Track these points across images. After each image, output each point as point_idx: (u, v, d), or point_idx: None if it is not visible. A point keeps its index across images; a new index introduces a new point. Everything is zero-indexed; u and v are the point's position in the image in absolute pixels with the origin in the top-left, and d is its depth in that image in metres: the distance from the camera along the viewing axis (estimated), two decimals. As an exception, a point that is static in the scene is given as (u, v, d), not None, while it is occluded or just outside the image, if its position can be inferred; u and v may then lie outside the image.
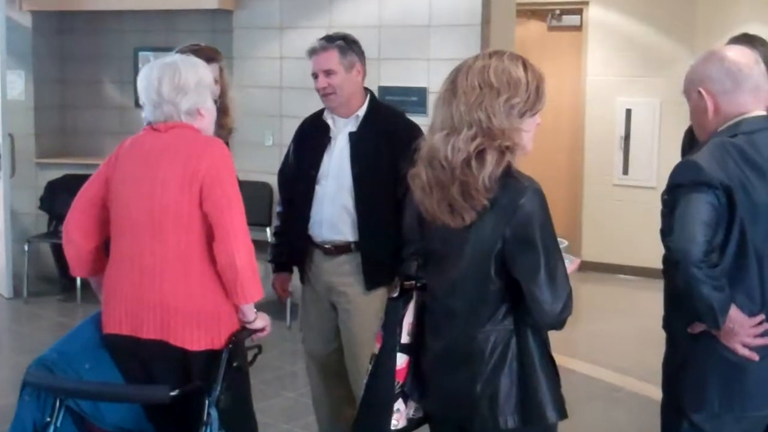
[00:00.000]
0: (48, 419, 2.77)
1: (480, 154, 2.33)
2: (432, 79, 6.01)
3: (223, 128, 3.55)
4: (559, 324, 2.36)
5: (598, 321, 6.56)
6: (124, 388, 2.77)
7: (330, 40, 3.58)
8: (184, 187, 2.75)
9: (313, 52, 3.57)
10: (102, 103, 7.59)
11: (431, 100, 5.95)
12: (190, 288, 2.79)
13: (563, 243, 2.61)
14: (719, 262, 2.46)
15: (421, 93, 6.05)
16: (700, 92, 2.62)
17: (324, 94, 3.55)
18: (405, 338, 2.57)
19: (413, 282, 2.59)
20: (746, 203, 2.48)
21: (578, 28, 8.34)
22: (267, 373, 5.17)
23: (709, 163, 2.48)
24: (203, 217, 2.76)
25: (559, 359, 2.53)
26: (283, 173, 3.82)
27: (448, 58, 5.86)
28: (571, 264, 2.57)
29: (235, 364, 2.79)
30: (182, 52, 3.49)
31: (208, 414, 2.67)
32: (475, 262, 2.38)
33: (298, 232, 3.63)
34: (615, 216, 8.11)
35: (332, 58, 3.52)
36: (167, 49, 7.02)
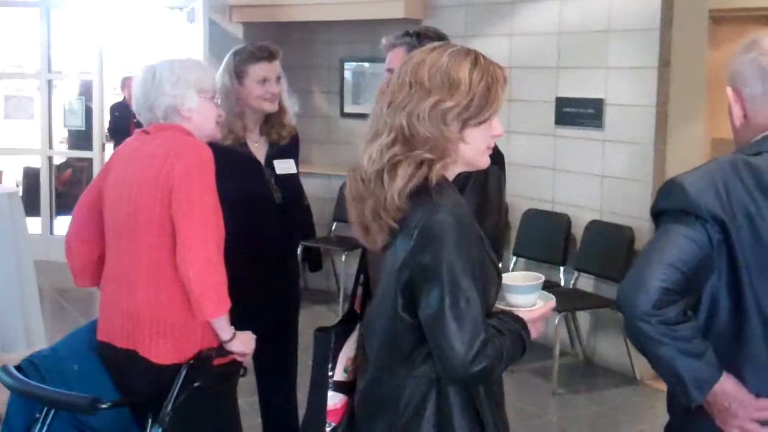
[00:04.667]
0: (37, 415, 2.75)
1: (394, 165, 1.96)
2: (609, 90, 5.46)
3: (284, 127, 3.41)
4: (471, 378, 1.91)
5: None
6: (52, 393, 2.67)
7: (402, 35, 3.24)
8: (156, 191, 2.62)
9: (384, 48, 3.29)
10: (310, 112, 7.72)
11: (608, 113, 5.43)
12: (159, 297, 2.65)
13: (539, 278, 2.17)
14: (692, 317, 1.90)
15: (598, 105, 5.51)
16: (730, 91, 2.06)
17: None
18: (341, 375, 2.27)
19: (356, 313, 2.28)
20: (751, 243, 1.88)
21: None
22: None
23: (700, 187, 1.92)
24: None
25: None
26: None
27: (626, 66, 5.34)
28: (544, 304, 2.13)
29: (195, 384, 2.61)
30: (243, 50, 3.39)
31: (149, 434, 2.52)
32: (385, 295, 2.02)
33: None
34: None
35: (397, 57, 3.19)
36: (372, 60, 7.22)
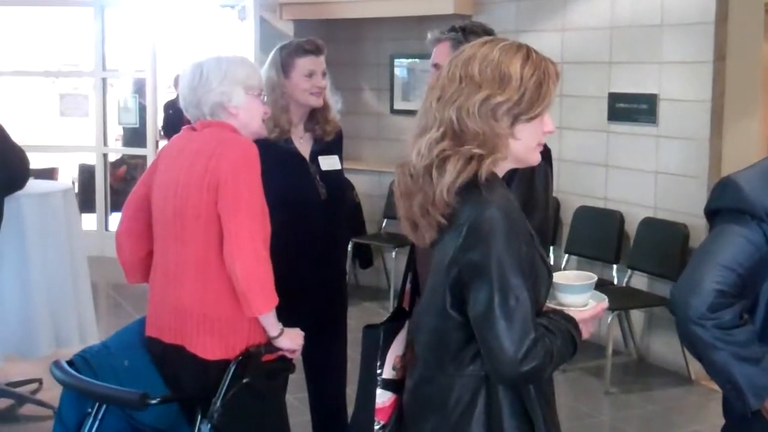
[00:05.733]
0: (89, 410, 2.78)
1: (443, 161, 1.94)
2: (663, 85, 5.36)
3: (329, 123, 3.40)
4: (520, 377, 1.87)
5: None
6: (103, 389, 2.69)
7: (448, 30, 3.19)
8: (203, 189, 2.63)
9: (430, 43, 3.26)
10: (360, 109, 7.73)
11: (662, 108, 5.34)
12: (207, 293, 2.66)
13: (592, 278, 2.14)
14: (748, 320, 1.85)
15: (651, 100, 5.42)
16: None
17: None
18: (389, 373, 2.25)
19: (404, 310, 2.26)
20: None
21: None
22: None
23: (756, 185, 1.86)
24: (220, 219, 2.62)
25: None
26: None
27: (680, 60, 5.24)
28: (596, 305, 2.09)
29: (245, 380, 2.62)
30: (290, 44, 3.39)
31: (199, 429, 2.52)
32: (433, 292, 1.99)
33: None
34: None
35: (442, 52, 3.07)
36: (422, 56, 7.19)
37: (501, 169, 2.01)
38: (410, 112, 7.27)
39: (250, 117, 2.79)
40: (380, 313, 6.40)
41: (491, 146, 1.93)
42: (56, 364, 2.76)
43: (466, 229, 1.89)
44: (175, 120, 8.46)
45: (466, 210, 1.91)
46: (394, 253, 6.69)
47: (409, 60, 7.50)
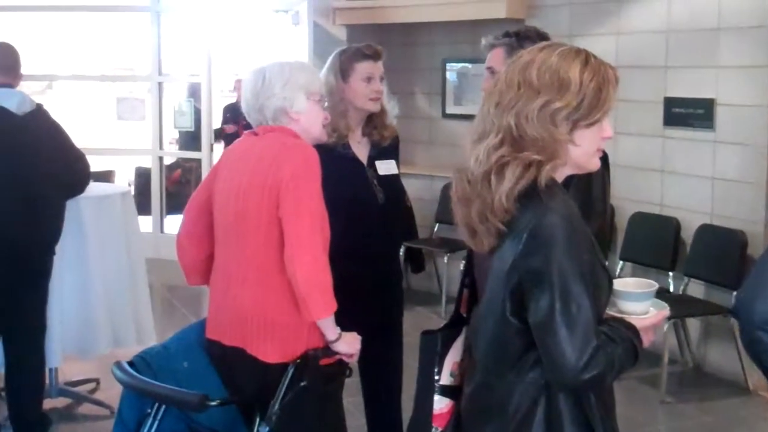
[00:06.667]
0: (149, 411, 2.82)
1: (502, 167, 1.94)
2: (720, 89, 5.29)
3: (386, 128, 3.42)
4: (581, 385, 1.87)
5: None
6: (163, 390, 2.72)
7: (502, 36, 3.18)
8: (264, 192, 2.66)
9: (484, 48, 3.25)
10: (412, 113, 7.73)
11: (720, 113, 5.27)
12: (267, 297, 2.70)
13: (653, 285, 2.12)
14: None
15: (708, 105, 5.34)
16: None
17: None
18: (447, 379, 2.25)
19: (462, 316, 2.26)
20: None
21: None
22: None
23: None
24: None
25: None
26: None
27: (738, 65, 5.17)
28: (657, 312, 2.07)
29: (303, 383, 2.64)
30: (349, 49, 3.42)
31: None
32: (492, 298, 1.99)
33: None
34: None
35: (497, 57, 3.02)
36: (474, 60, 7.19)
37: (560, 175, 2.00)
38: (462, 117, 7.27)
39: (311, 122, 2.82)
40: (432, 318, 6.41)
41: (550, 152, 1.93)
42: (118, 364, 2.81)
43: (526, 236, 1.89)
44: (231, 123, 8.60)
45: (525, 216, 1.91)
46: (446, 258, 6.68)
47: (462, 64, 7.49)
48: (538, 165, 1.92)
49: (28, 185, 3.83)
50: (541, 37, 2.99)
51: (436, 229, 7.11)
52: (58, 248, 4.08)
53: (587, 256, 1.91)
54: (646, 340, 2.01)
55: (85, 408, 4.78)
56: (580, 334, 1.84)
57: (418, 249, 6.97)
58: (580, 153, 1.98)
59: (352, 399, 3.49)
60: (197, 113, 8.34)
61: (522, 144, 1.93)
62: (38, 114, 3.92)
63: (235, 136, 7.53)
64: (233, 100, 9.34)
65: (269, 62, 2.83)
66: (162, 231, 8.32)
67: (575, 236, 1.90)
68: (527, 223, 1.90)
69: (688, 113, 5.46)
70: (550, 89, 1.93)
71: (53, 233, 4.02)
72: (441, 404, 2.25)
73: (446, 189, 6.98)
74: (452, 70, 7.55)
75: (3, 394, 4.28)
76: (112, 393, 4.72)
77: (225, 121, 8.84)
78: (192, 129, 8.41)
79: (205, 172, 8.14)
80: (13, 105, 3.79)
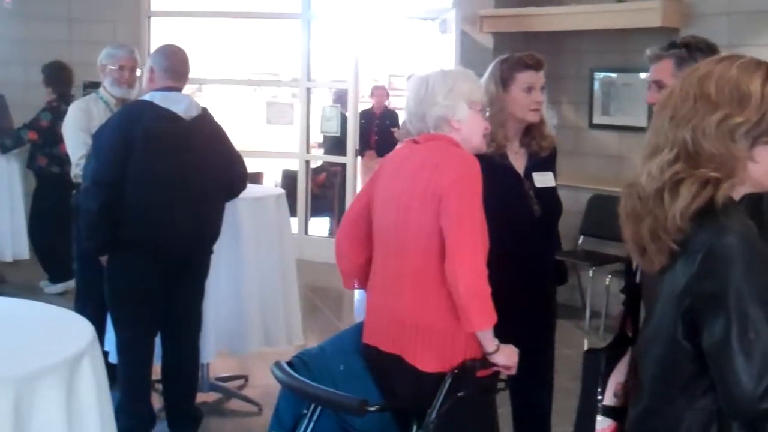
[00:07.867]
0: (305, 411, 2.88)
1: (676, 184, 1.89)
2: None
3: (545, 138, 3.38)
4: (758, 415, 1.81)
5: None
6: (323, 392, 2.77)
7: (669, 46, 3.08)
8: (426, 200, 2.69)
9: (648, 59, 3.16)
10: (559, 123, 7.62)
11: None
12: (426, 305, 2.72)
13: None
14: None
15: None
16: None
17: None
18: (610, 399, 2.22)
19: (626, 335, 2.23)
20: None
21: None
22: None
23: None
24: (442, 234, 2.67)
25: None
26: None
27: None
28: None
29: (460, 394, 2.65)
30: (510, 58, 3.38)
31: (415, 439, 2.58)
32: (663, 320, 1.94)
33: None
34: None
35: (664, 69, 2.93)
36: (623, 70, 7.06)
37: (737, 194, 1.93)
38: (610, 127, 7.14)
39: (472, 132, 2.83)
40: (575, 332, 6.31)
41: (728, 169, 1.87)
42: (277, 365, 2.89)
43: (701, 257, 1.84)
44: (364, 130, 8.69)
45: (701, 237, 1.85)
46: (591, 272, 6.53)
47: (610, 74, 7.35)
48: (715, 183, 1.86)
49: (195, 188, 3.97)
50: (711, 48, 2.91)
51: (580, 241, 7.00)
52: (215, 247, 4.22)
53: (767, 279, 1.85)
54: None
55: (234, 404, 4.92)
56: (758, 361, 1.78)
57: (562, 261, 6.86)
58: (760, 171, 1.90)
59: (499, 410, 3.48)
60: (343, 118, 8.49)
61: (698, 160, 1.88)
62: (204, 118, 4.06)
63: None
64: (368, 106, 9.48)
65: (432, 70, 2.86)
66: (306, 233, 8.48)
67: (754, 258, 1.83)
68: (702, 244, 1.85)
69: None
70: (730, 103, 1.86)
71: (213, 234, 4.17)
72: (603, 424, 2.22)
73: (593, 200, 6.86)
74: (600, 80, 7.42)
75: (159, 386, 4.46)
76: (259, 391, 4.88)
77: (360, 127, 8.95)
78: (338, 134, 8.56)
79: (350, 177, 8.29)
80: (181, 109, 3.94)
